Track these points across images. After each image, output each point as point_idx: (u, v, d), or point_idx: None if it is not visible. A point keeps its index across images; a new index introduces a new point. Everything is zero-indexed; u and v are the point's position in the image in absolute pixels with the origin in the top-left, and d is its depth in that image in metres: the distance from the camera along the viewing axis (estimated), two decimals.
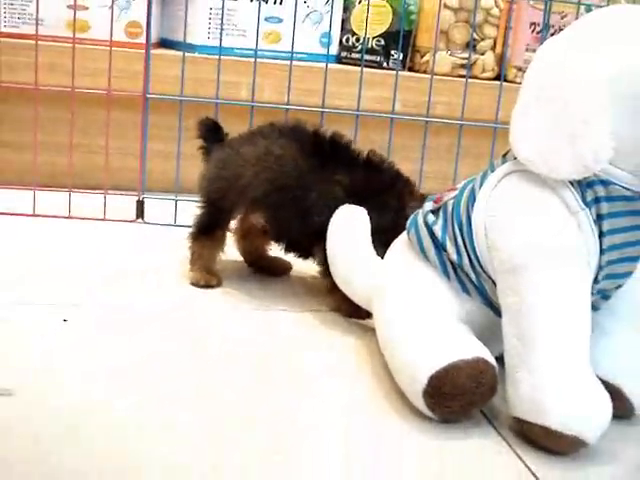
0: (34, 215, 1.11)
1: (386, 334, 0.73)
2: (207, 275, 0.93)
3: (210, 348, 0.77)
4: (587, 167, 0.62)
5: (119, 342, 0.76)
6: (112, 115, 1.13)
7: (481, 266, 0.68)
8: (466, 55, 1.36)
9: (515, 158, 0.66)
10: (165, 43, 1.36)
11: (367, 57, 1.37)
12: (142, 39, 1.26)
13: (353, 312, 0.85)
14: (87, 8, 1.24)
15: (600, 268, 0.65)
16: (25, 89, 1.12)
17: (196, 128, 0.97)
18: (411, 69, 1.40)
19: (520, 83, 0.68)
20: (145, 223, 1.15)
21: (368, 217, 0.84)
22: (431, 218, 0.73)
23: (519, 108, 0.66)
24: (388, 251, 0.79)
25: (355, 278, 0.82)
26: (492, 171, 0.70)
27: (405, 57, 1.37)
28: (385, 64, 1.37)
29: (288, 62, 1.23)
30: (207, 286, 0.92)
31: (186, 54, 1.14)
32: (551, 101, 0.64)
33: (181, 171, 1.13)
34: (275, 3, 1.34)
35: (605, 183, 0.64)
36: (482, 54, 1.37)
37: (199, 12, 1.28)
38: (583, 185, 0.64)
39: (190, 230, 0.94)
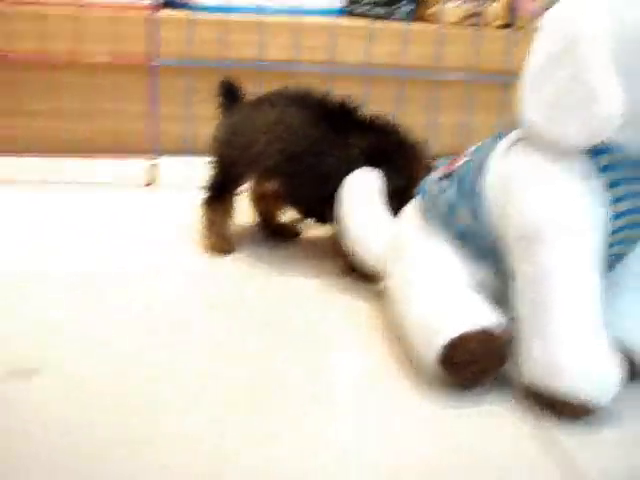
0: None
1: (400, 297, 0.73)
2: (222, 242, 0.93)
3: (223, 311, 0.79)
4: (598, 133, 0.61)
5: (133, 307, 0.78)
6: (119, 79, 1.13)
7: (492, 232, 0.68)
8: (474, 4, 1.34)
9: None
10: (168, 3, 1.34)
11: (372, 10, 1.35)
12: (145, 0, 1.25)
13: (362, 275, 0.86)
14: None
15: (614, 232, 0.65)
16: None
17: (217, 89, 0.97)
18: (420, 21, 1.38)
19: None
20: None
21: (382, 179, 0.85)
22: (442, 185, 0.73)
23: (530, 72, 0.65)
24: (401, 214, 0.79)
25: (369, 238, 0.82)
26: (501, 136, 0.69)
27: (413, 8, 1.34)
28: (393, 16, 1.35)
29: (294, 19, 1.23)
30: (222, 252, 0.93)
31: (190, 15, 1.13)
32: (559, 67, 0.63)
33: (193, 133, 1.13)
34: None
35: (617, 150, 0.63)
36: (492, 1, 1.34)
37: None
38: (594, 152, 0.63)
39: (203, 196, 0.94)
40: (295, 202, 0.93)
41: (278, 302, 0.82)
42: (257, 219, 1.00)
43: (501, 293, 0.70)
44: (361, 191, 0.84)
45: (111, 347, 0.71)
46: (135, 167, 1.15)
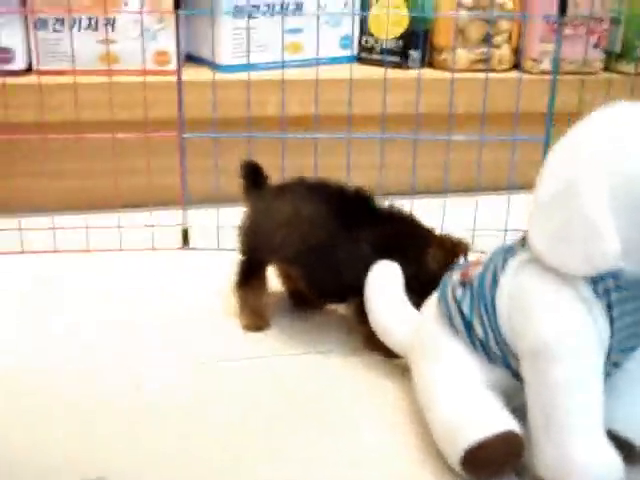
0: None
1: (423, 395, 0.82)
2: (257, 319, 1.02)
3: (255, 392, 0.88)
4: (597, 267, 0.70)
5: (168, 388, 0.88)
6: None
7: (505, 343, 0.77)
8: (482, 50, 1.40)
9: None
10: (190, 59, 1.41)
11: (386, 57, 1.42)
12: (170, 66, 1.32)
13: (389, 353, 0.94)
14: (115, 41, 1.29)
15: (612, 346, 0.73)
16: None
17: (239, 170, 1.04)
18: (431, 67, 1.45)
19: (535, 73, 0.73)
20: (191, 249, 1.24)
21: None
22: (459, 293, 0.81)
23: (536, 206, 0.73)
24: (423, 310, 0.88)
25: (394, 331, 0.91)
26: (512, 254, 0.78)
27: (424, 56, 1.41)
28: (404, 64, 1.42)
29: (309, 77, 1.29)
30: (257, 329, 1.02)
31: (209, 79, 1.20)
32: (562, 206, 0.71)
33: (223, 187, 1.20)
34: (294, 14, 1.38)
35: (614, 276, 0.71)
36: (498, 47, 1.41)
37: (222, 31, 1.33)
38: (595, 278, 0.72)
39: (233, 278, 1.03)
40: (314, 290, 1.01)
41: (304, 380, 0.91)
42: (287, 294, 1.09)
43: (514, 388, 0.79)
44: (382, 284, 0.93)
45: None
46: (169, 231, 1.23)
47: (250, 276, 1.02)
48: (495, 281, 0.78)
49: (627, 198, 0.69)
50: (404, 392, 0.89)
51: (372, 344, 0.96)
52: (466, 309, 0.80)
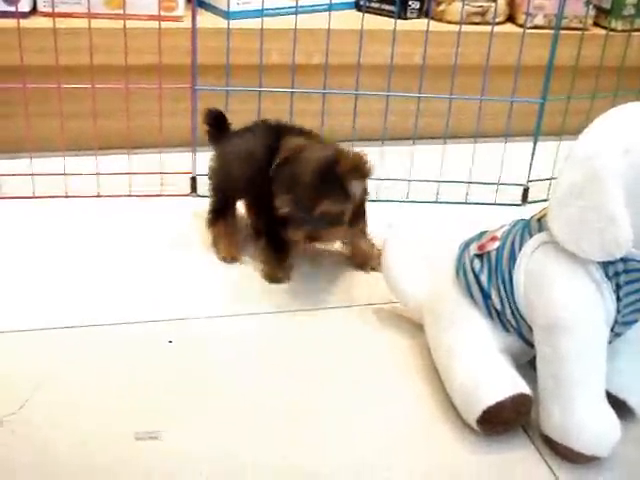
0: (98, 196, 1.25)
1: (440, 360, 0.91)
2: (232, 251, 1.11)
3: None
4: (612, 254, 0.77)
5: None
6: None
7: (520, 315, 0.85)
8: (479, 3, 1.44)
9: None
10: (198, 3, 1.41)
11: (385, 7, 1.45)
12: (178, 12, 1.33)
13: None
14: None
15: (616, 321, 0.82)
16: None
17: (204, 118, 1.14)
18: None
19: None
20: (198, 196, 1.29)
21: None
22: (477, 265, 0.88)
23: (557, 196, 0.80)
24: (436, 276, 0.95)
25: (409, 295, 0.99)
26: (529, 232, 0.85)
27: (421, 7, 1.44)
28: (402, 14, 1.45)
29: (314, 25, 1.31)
30: (233, 260, 1.11)
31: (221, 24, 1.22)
32: (582, 195, 0.77)
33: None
34: None
35: (624, 260, 0.79)
36: (494, 1, 1.44)
37: None
38: (606, 262, 0.79)
39: (206, 217, 1.13)
40: (256, 219, 1.15)
41: (324, 334, 0.99)
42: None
43: (525, 352, 0.88)
44: (403, 247, 1.00)
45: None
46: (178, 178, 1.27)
47: (220, 213, 1.12)
48: (513, 257, 0.85)
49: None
50: (421, 351, 0.96)
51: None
52: (484, 281, 0.87)
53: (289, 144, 0.99)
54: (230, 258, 1.11)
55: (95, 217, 1.20)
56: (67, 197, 1.24)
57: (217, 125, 1.13)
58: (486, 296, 0.87)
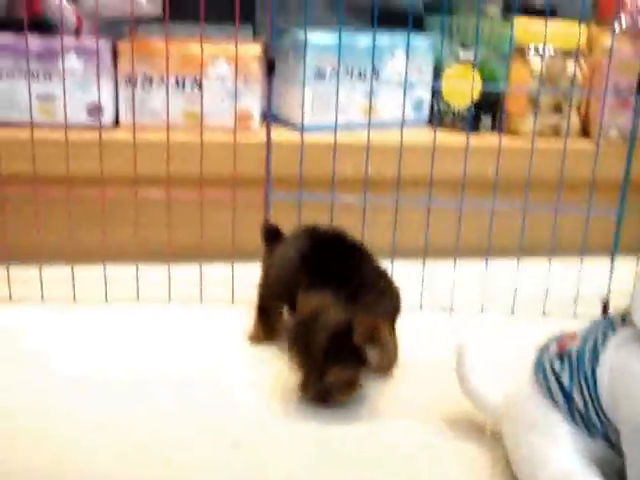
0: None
1: (522, 466, 0.85)
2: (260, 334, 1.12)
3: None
4: None
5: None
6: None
7: (605, 416, 0.80)
8: (553, 118, 1.45)
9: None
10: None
11: (458, 122, 1.46)
12: (252, 125, 1.36)
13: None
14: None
15: None
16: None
17: (260, 231, 1.15)
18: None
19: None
20: None
21: None
22: (557, 365, 0.84)
23: (637, 289, 0.77)
24: (515, 381, 0.91)
25: (487, 401, 0.94)
26: (612, 328, 0.81)
27: (494, 122, 1.45)
28: (475, 128, 1.46)
29: (386, 139, 1.33)
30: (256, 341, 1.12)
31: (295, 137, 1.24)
32: None
33: None
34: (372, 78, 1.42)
35: None
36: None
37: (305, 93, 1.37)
38: None
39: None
40: None
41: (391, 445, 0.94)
42: None
43: (612, 461, 0.82)
44: (477, 352, 0.97)
45: None
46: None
47: (263, 312, 1.12)
48: (596, 354, 0.81)
49: None
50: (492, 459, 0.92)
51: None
52: (566, 381, 0.83)
53: (307, 304, 0.98)
54: (255, 339, 1.12)
55: (166, 324, 1.20)
56: (138, 302, 1.24)
57: (272, 238, 1.15)
58: (569, 397, 0.82)
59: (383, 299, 1.03)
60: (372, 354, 0.96)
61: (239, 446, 0.92)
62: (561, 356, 0.84)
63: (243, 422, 0.97)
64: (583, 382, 0.81)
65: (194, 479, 0.86)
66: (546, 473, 0.81)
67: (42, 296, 1.24)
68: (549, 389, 0.84)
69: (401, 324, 1.10)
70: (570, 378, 0.83)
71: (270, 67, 1.18)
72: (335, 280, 1.00)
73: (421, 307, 1.28)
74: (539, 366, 0.87)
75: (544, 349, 0.88)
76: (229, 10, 1.18)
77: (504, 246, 1.37)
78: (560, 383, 0.83)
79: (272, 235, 1.13)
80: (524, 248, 1.30)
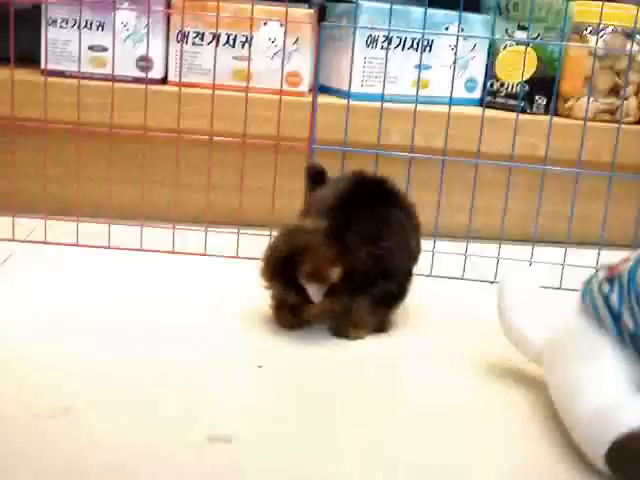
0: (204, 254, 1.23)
1: (564, 392, 0.79)
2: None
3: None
4: None
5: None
6: (279, 158, 1.22)
7: None
8: (609, 101, 1.40)
9: None
10: (320, 89, 1.44)
11: (510, 101, 1.43)
12: (301, 88, 1.35)
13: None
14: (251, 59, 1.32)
15: None
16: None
17: (305, 172, 1.08)
18: (555, 115, 1.44)
19: None
20: None
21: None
22: (606, 287, 0.79)
23: None
24: (558, 317, 0.86)
25: (527, 337, 0.89)
26: None
27: (548, 103, 1.41)
28: (528, 109, 1.42)
29: (436, 110, 1.31)
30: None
31: (341, 102, 1.22)
32: None
33: None
34: (424, 51, 1.40)
35: None
36: (625, 99, 1.40)
37: (354, 61, 1.35)
38: None
39: None
40: None
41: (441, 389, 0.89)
42: None
43: None
44: (520, 288, 0.92)
45: None
46: None
47: None
48: None
49: None
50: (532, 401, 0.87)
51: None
52: (615, 301, 0.77)
53: (287, 228, 0.97)
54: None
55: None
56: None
57: (316, 179, 1.08)
58: (617, 318, 0.77)
59: (381, 260, 0.97)
60: (313, 293, 0.92)
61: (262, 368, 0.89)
62: (611, 279, 0.80)
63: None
64: (634, 301, 0.76)
65: (219, 402, 0.81)
66: (590, 406, 0.75)
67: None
68: (596, 311, 0.79)
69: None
70: (619, 299, 0.78)
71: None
72: (345, 220, 0.96)
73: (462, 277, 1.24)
74: (586, 291, 0.82)
75: (592, 276, 0.83)
76: None
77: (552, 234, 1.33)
78: (608, 304, 0.78)
79: (316, 176, 1.08)
80: (573, 235, 1.25)
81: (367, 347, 0.98)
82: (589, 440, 0.73)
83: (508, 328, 0.91)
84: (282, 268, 0.93)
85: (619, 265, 0.80)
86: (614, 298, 0.78)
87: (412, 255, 1.02)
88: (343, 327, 0.99)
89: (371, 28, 1.34)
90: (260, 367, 0.89)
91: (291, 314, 0.98)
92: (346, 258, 0.93)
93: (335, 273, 0.93)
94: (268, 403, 0.82)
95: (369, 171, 1.06)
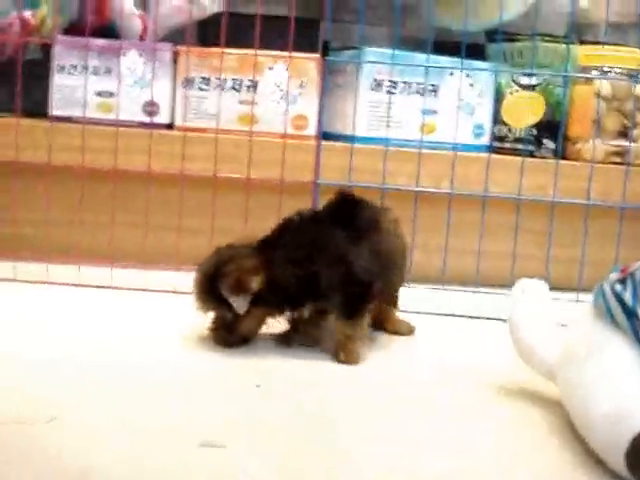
0: None
1: (579, 395, 0.76)
2: None
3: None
4: None
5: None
6: (283, 200, 1.22)
7: None
8: (619, 143, 1.39)
9: None
10: (325, 136, 1.43)
11: (518, 146, 1.42)
12: (307, 131, 1.35)
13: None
14: (256, 103, 1.33)
15: None
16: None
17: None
18: (563, 158, 1.43)
19: None
20: None
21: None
22: (619, 287, 0.77)
23: None
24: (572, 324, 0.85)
25: (539, 350, 0.87)
26: None
27: (557, 146, 1.40)
28: (537, 153, 1.41)
29: (442, 152, 1.30)
30: None
31: (347, 145, 1.22)
32: None
33: None
34: (430, 96, 1.40)
35: None
36: (634, 141, 1.39)
37: (359, 106, 1.35)
38: None
39: None
40: None
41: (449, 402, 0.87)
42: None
43: None
44: (529, 301, 0.90)
45: None
46: None
47: None
48: None
49: None
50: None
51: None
52: (629, 299, 0.75)
53: (217, 247, 0.98)
54: None
55: None
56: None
57: None
58: (631, 315, 0.75)
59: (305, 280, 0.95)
60: (238, 305, 0.92)
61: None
62: (623, 279, 0.78)
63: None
64: None
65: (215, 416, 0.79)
66: (607, 406, 0.72)
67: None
68: (609, 312, 0.77)
69: None
70: (633, 296, 0.76)
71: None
72: (278, 237, 0.97)
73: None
74: (598, 294, 0.80)
75: (605, 279, 0.81)
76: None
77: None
78: (622, 303, 0.76)
79: None
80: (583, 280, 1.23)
81: (376, 367, 0.97)
82: (609, 438, 0.70)
83: (518, 342, 0.89)
84: (209, 286, 0.93)
85: (630, 266, 0.78)
86: (627, 296, 0.76)
87: (354, 279, 0.97)
88: (334, 352, 0.98)
89: (374, 62, 1.35)
90: (258, 386, 0.87)
91: (227, 332, 0.97)
92: (268, 267, 0.93)
93: (255, 282, 0.92)
94: (266, 416, 0.80)
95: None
